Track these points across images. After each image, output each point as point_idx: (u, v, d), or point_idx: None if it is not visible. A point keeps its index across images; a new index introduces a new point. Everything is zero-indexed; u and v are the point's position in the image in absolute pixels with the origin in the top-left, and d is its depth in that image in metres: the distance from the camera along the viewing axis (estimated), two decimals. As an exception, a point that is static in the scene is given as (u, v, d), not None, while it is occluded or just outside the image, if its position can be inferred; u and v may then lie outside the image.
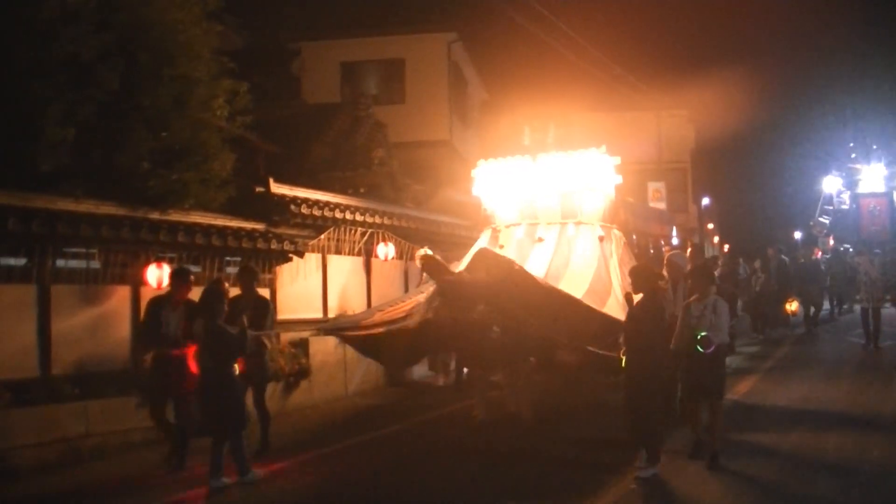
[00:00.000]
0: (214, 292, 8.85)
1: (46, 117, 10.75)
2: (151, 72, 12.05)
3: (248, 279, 10.76)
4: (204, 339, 8.62)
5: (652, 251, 15.42)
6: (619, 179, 12.83)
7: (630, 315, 8.88)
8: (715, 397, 9.02)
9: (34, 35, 10.94)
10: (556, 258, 12.01)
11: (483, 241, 13.07)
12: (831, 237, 45.04)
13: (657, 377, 8.70)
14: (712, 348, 8.67)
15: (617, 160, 12.77)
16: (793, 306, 22.55)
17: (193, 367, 9.10)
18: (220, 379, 8.54)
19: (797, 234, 60.72)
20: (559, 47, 26.70)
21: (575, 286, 11.20)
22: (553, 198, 12.74)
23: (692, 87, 36.33)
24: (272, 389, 12.89)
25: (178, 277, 10.01)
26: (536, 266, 11.77)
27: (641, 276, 8.99)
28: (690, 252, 13.46)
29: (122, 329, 11.22)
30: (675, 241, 18.86)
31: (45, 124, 10.73)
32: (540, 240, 12.44)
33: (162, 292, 10.19)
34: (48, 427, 9.57)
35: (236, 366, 8.77)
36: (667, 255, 11.85)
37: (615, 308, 10.61)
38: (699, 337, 8.69)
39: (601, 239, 12.34)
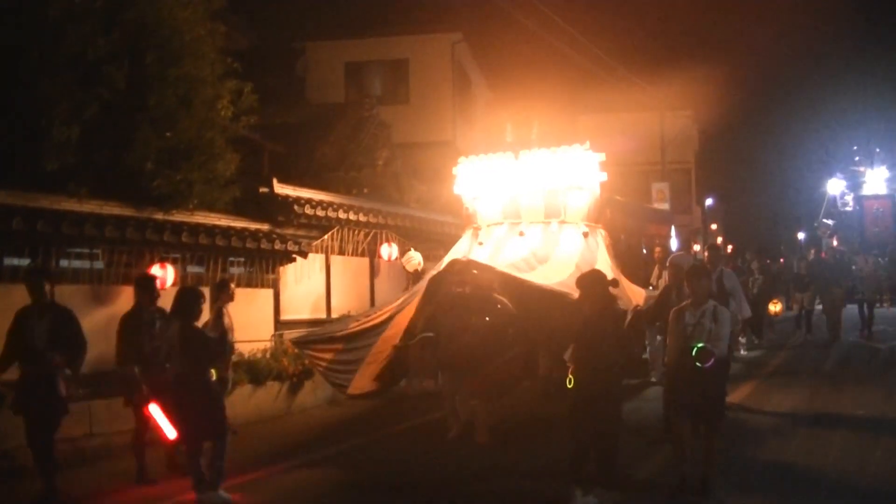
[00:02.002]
0: (190, 294, 8.41)
1: (52, 117, 10.78)
2: (157, 72, 12.08)
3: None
4: (180, 344, 8.06)
5: (645, 251, 15.07)
6: (604, 177, 12.36)
7: (580, 327, 7.63)
8: (712, 421, 7.77)
9: (41, 34, 10.98)
10: (538, 250, 11.72)
11: (465, 242, 12.73)
12: (835, 238, 45.13)
13: (618, 400, 7.72)
14: (711, 362, 7.50)
15: (602, 157, 12.30)
16: (776, 307, 21.70)
17: (63, 388, 8.15)
18: (198, 385, 8.03)
19: (801, 235, 60.81)
20: (563, 48, 26.68)
21: (556, 273, 10.95)
22: (536, 196, 12.34)
23: (696, 88, 36.24)
24: (277, 390, 12.91)
25: (31, 278, 8.54)
26: (515, 255, 11.54)
27: (590, 281, 7.82)
28: (708, 255, 12.71)
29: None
30: (673, 241, 18.33)
31: (50, 124, 10.77)
32: (521, 234, 12.10)
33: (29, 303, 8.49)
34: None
35: (213, 371, 8.26)
36: (670, 258, 11.06)
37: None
38: (697, 349, 7.52)
39: (585, 236, 11.99)
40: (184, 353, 8.04)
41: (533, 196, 12.35)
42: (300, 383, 13.35)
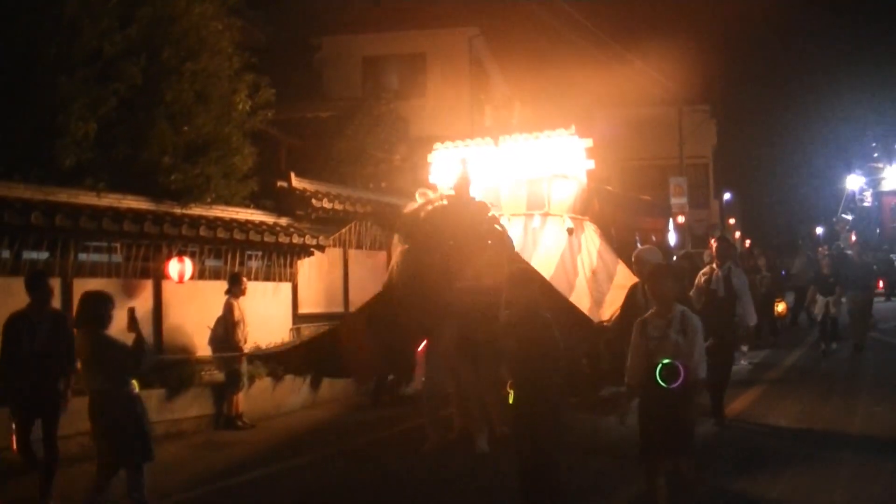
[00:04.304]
0: (95, 298, 7.07)
1: (70, 112, 10.83)
2: (174, 67, 12.12)
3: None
4: (90, 356, 6.95)
5: (640, 246, 14.34)
6: (591, 165, 11.28)
7: (515, 334, 6.53)
8: (680, 454, 6.37)
9: (58, 31, 11.02)
10: (519, 247, 10.60)
11: None
12: (853, 233, 45.04)
13: (557, 421, 6.42)
14: (680, 381, 6.18)
15: (589, 142, 11.19)
16: (780, 307, 20.20)
17: None
18: (115, 401, 6.88)
19: (819, 230, 60.57)
20: (581, 42, 26.62)
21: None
22: (518, 186, 11.35)
23: (715, 83, 36.13)
24: (299, 384, 12.89)
25: None
26: None
27: (520, 281, 6.64)
28: (716, 247, 11.31)
29: (145, 323, 11.19)
30: (672, 235, 17.17)
31: (68, 119, 10.81)
32: None
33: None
34: (68, 421, 9.52)
35: (134, 383, 7.04)
36: (635, 252, 9.83)
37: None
38: (661, 366, 6.22)
39: (570, 231, 10.88)
40: (94, 365, 6.97)
41: (514, 186, 11.39)
42: (318, 378, 13.32)
